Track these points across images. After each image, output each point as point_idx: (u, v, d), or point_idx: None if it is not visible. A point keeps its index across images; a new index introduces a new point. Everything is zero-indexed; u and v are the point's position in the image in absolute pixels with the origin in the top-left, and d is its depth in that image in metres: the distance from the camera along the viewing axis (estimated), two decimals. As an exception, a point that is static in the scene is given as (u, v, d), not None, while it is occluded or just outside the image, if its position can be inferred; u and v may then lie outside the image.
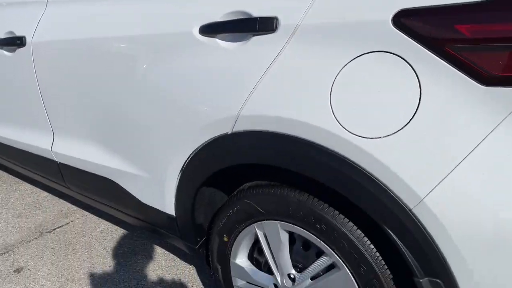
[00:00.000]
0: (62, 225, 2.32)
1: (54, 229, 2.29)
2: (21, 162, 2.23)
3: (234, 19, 1.17)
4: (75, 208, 2.50)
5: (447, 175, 0.92)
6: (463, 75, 0.90)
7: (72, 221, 2.36)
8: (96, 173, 1.74)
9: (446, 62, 0.91)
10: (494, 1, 0.87)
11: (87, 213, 2.45)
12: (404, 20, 0.93)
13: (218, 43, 1.20)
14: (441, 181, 0.93)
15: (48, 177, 2.11)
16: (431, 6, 0.91)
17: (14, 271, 1.97)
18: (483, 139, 0.90)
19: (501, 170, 0.89)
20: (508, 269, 0.92)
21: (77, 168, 1.83)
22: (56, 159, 1.92)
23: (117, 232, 2.26)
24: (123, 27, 1.44)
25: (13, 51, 1.85)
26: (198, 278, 1.90)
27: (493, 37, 0.87)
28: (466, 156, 0.91)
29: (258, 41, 1.14)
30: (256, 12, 1.14)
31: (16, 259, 2.05)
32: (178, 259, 2.04)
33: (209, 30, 1.21)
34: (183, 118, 1.32)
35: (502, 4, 0.86)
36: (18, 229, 2.30)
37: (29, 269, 1.98)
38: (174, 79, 1.32)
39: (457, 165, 0.91)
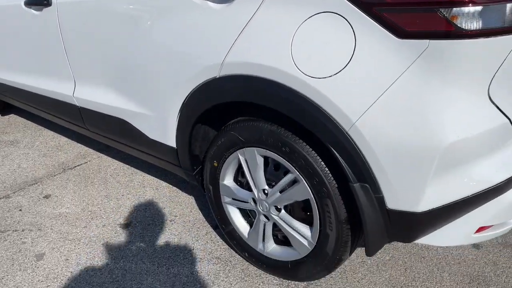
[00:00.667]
0: (81, 164, 2.71)
1: (75, 166, 2.68)
2: (45, 108, 2.59)
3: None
4: (92, 150, 2.88)
5: (371, 105, 1.26)
6: (384, 30, 1.22)
7: (89, 160, 2.75)
8: (112, 115, 2.10)
9: (373, 20, 1.23)
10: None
11: (101, 154, 2.82)
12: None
13: (208, 4, 1.53)
14: (367, 110, 1.27)
15: (69, 120, 2.47)
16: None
17: (44, 197, 2.37)
18: (398, 78, 1.23)
19: (409, 100, 1.23)
20: (378, 171, 1.27)
21: (95, 111, 2.18)
22: (77, 104, 2.28)
23: (128, 170, 2.64)
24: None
25: (40, 10, 2.17)
26: (195, 204, 2.28)
27: (405, 2, 1.19)
28: (385, 91, 1.24)
29: (238, 3, 1.45)
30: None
31: (44, 188, 2.45)
32: (180, 191, 2.42)
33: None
34: (181, 66, 1.66)
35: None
36: (44, 166, 2.69)
37: (56, 196, 2.37)
38: (173, 34, 1.65)
39: (379, 97, 1.25)
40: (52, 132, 3.14)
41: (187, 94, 1.69)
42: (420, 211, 1.33)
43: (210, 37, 1.54)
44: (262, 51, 1.41)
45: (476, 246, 1.96)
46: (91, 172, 2.60)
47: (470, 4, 1.15)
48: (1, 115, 3.39)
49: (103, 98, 2.10)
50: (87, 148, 2.91)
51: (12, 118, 3.37)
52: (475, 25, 1.17)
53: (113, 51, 1.93)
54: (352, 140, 1.32)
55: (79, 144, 2.95)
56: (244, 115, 1.73)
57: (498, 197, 1.35)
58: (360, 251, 1.94)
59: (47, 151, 2.87)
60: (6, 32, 2.51)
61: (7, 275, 1.84)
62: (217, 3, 1.51)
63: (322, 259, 1.60)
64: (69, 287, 1.77)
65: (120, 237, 2.05)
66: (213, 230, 2.09)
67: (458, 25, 1.16)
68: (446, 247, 1.97)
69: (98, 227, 2.13)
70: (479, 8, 1.15)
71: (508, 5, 1.17)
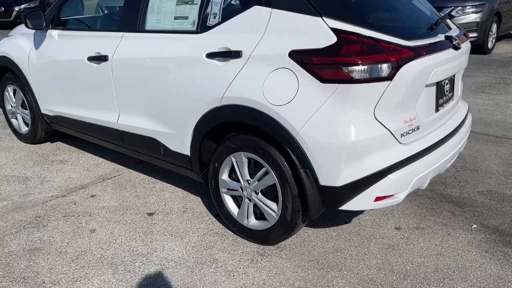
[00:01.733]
0: (116, 176, 3.60)
1: (111, 177, 3.57)
2: (94, 133, 3.50)
3: (222, 51, 2.46)
4: (123, 167, 3.78)
5: (308, 120, 2.18)
6: (313, 78, 2.16)
7: (121, 173, 3.64)
8: (146, 135, 3.02)
9: (308, 72, 2.17)
10: (325, 48, 2.14)
11: (130, 170, 3.72)
12: (292, 54, 2.20)
13: (214, 62, 2.49)
14: (305, 123, 2.18)
15: (111, 142, 3.39)
16: (302, 49, 2.18)
17: (90, 196, 3.25)
18: (322, 105, 2.16)
19: (328, 117, 2.15)
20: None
21: (133, 133, 3.11)
22: (119, 129, 3.20)
23: (151, 180, 3.52)
24: (163, 52, 2.73)
25: (99, 63, 3.15)
26: (201, 202, 3.15)
27: (323, 63, 2.14)
28: (315, 112, 2.16)
29: (233, 62, 2.41)
30: (233, 48, 2.41)
31: (90, 191, 3.33)
32: (190, 193, 3.29)
33: (211, 56, 2.50)
34: (196, 100, 2.59)
35: (329, 50, 2.13)
36: (88, 177, 3.58)
37: (99, 196, 3.25)
38: (191, 81, 2.60)
39: (312, 116, 2.17)
40: (91, 154, 4.04)
41: (198, 119, 2.62)
42: (338, 185, 2.21)
43: (215, 82, 2.49)
44: (246, 90, 2.35)
45: (397, 228, 2.81)
46: (123, 181, 3.49)
47: (360, 64, 2.10)
48: (50, 142, 4.31)
49: (140, 123, 3.03)
50: (119, 165, 3.80)
51: (59, 144, 4.30)
52: (363, 76, 2.11)
53: (149, 91, 2.88)
54: (298, 142, 2.23)
55: (113, 163, 3.85)
56: (234, 131, 2.64)
57: (384, 177, 2.23)
58: (315, 231, 2.79)
59: (89, 167, 3.77)
60: (68, 78, 3.48)
61: (71, 241, 2.69)
62: (220, 61, 2.47)
63: (284, 224, 2.47)
64: (113, 248, 2.62)
65: (147, 220, 2.92)
66: (213, 217, 2.95)
67: (353, 76, 2.11)
68: (371, 228, 2.82)
69: (132, 215, 2.99)
70: (364, 66, 2.10)
71: (381, 65, 2.12)
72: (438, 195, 3.23)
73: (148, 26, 2.92)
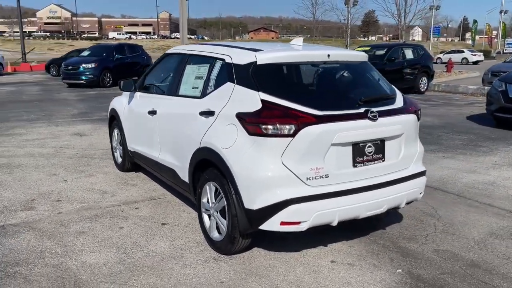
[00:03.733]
0: (160, 198, 4.86)
1: (157, 198, 4.84)
2: (149, 163, 4.87)
3: (206, 111, 3.59)
4: (169, 193, 5.03)
5: (238, 160, 3.14)
6: (245, 132, 3.14)
7: (165, 197, 4.89)
8: (170, 167, 4.23)
9: (243, 127, 3.17)
10: (253, 112, 3.12)
11: (173, 195, 4.95)
12: (237, 115, 3.22)
13: (202, 118, 3.62)
14: (237, 162, 3.15)
15: (156, 170, 4.70)
16: (243, 112, 3.19)
17: (135, 208, 4.55)
18: (250, 148, 3.11)
19: (249, 161, 3.08)
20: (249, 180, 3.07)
21: (164, 165, 4.35)
22: (159, 162, 4.49)
23: (180, 203, 4.68)
24: (181, 109, 3.97)
25: (152, 116, 4.55)
26: (196, 218, 4.19)
27: (250, 121, 3.11)
28: (243, 155, 3.13)
29: (210, 118, 3.51)
30: (211, 109, 3.53)
31: (137, 205, 4.64)
32: (188, 208, 4.35)
33: (201, 113, 3.64)
34: (191, 142, 3.73)
35: (255, 113, 3.12)
36: (142, 196, 4.92)
37: (140, 208, 4.53)
38: (190, 129, 3.76)
39: (240, 158, 3.13)
40: (154, 182, 5.42)
41: (191, 156, 3.74)
42: (255, 209, 3.08)
43: (199, 130, 3.61)
44: (211, 137, 3.42)
45: (332, 261, 3.44)
46: (163, 202, 4.73)
47: (270, 124, 3.02)
48: (135, 172, 5.84)
49: (168, 158, 4.28)
50: (167, 191, 5.08)
51: (139, 174, 5.80)
52: (272, 132, 3.03)
53: (173, 135, 4.13)
54: (232, 175, 3.19)
55: (164, 189, 5.15)
56: (211, 166, 3.65)
57: (287, 207, 3.01)
58: (266, 252, 3.58)
59: (147, 190, 5.13)
60: (139, 125, 4.97)
61: (105, 231, 3.97)
62: (204, 117, 3.59)
63: (228, 237, 3.37)
64: (126, 239, 3.80)
65: (158, 227, 4.06)
66: (201, 232, 3.95)
67: (266, 132, 3.04)
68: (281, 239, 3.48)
69: (152, 222, 4.17)
70: (273, 125, 3.02)
71: (286, 125, 3.01)
72: (395, 246, 3.72)
73: (180, 92, 4.22)
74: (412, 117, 3.56)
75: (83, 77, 17.14)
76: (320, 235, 3.83)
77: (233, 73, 3.49)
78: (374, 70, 3.84)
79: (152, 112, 4.55)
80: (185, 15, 33.30)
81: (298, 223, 3.09)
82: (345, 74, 3.70)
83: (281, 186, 3.05)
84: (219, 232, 3.58)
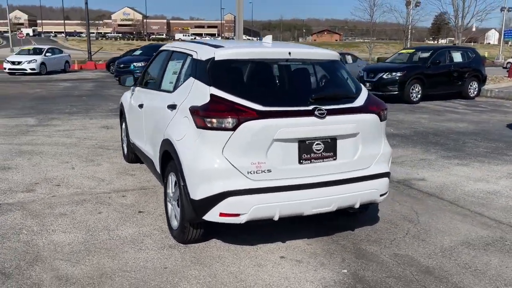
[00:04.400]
0: (150, 188, 5.08)
1: (146, 189, 5.07)
2: (140, 154, 5.12)
3: (171, 104, 3.74)
4: (157, 183, 5.24)
5: (186, 152, 3.26)
6: (194, 124, 3.26)
7: (154, 189, 5.10)
8: (150, 158, 4.44)
9: (193, 120, 3.29)
10: (202, 106, 3.24)
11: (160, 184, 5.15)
12: (191, 108, 3.34)
13: (168, 110, 3.78)
14: (185, 153, 3.28)
15: (145, 162, 4.93)
16: (195, 105, 3.31)
17: (122, 196, 4.80)
18: (193, 142, 3.23)
19: (195, 152, 3.20)
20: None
21: (147, 156, 4.57)
22: (145, 153, 4.71)
23: (161, 189, 4.87)
24: (158, 102, 4.16)
25: (141, 108, 4.78)
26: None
27: (198, 115, 3.23)
28: (190, 147, 3.25)
29: (173, 111, 3.66)
30: (175, 102, 3.68)
31: (125, 193, 4.89)
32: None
33: (168, 107, 3.80)
34: (160, 134, 3.90)
35: (203, 106, 3.23)
36: (135, 186, 5.17)
37: (126, 197, 4.78)
38: (160, 121, 3.94)
39: (187, 149, 3.26)
40: (151, 174, 5.67)
41: (159, 147, 3.91)
42: (197, 199, 3.19)
43: (164, 122, 3.77)
44: (170, 129, 3.57)
45: (282, 257, 3.46)
46: (150, 193, 4.95)
47: (213, 117, 3.13)
48: (140, 164, 6.13)
49: (148, 149, 4.48)
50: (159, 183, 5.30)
51: (143, 165, 6.07)
52: (215, 125, 3.14)
53: (151, 127, 4.32)
54: (181, 165, 3.31)
55: (158, 181, 5.37)
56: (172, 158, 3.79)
57: (226, 198, 3.09)
58: (221, 243, 3.67)
59: (142, 181, 5.38)
60: (134, 117, 5.23)
61: (84, 215, 4.25)
62: (169, 110, 3.75)
63: (180, 226, 3.50)
64: (99, 223, 4.05)
65: (134, 215, 4.27)
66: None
67: (209, 125, 3.14)
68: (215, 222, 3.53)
69: (130, 210, 4.39)
70: (216, 119, 3.12)
71: (227, 119, 3.09)
72: (354, 247, 3.66)
73: (161, 87, 4.41)
74: (370, 116, 3.49)
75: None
76: (285, 231, 3.86)
77: (196, 69, 3.61)
78: (343, 69, 3.80)
79: (141, 106, 4.79)
80: (241, 16, 33.76)
81: (238, 215, 3.15)
82: (304, 72, 3.69)
83: (221, 178, 3.13)
84: (177, 221, 3.72)
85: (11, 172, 5.61)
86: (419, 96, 13.39)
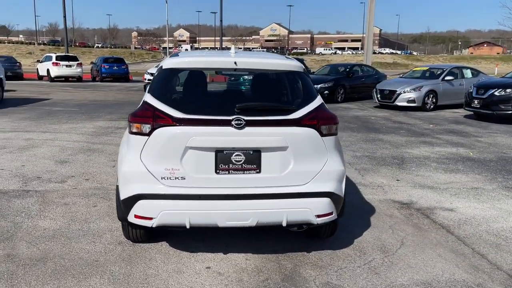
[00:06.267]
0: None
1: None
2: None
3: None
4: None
5: (119, 156, 3.46)
6: (128, 130, 3.45)
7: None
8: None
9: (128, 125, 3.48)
10: (135, 112, 3.41)
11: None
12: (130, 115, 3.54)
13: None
14: (119, 157, 3.47)
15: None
16: (133, 112, 3.50)
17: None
18: (124, 147, 3.42)
19: (122, 156, 3.39)
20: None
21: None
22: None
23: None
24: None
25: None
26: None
27: (130, 120, 3.40)
28: (122, 151, 3.44)
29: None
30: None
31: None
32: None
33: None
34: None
35: (135, 112, 3.40)
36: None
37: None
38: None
39: (122, 154, 3.45)
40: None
41: (133, 150, 4.18)
42: (122, 199, 3.35)
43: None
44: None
45: (208, 267, 3.41)
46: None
47: (134, 122, 3.27)
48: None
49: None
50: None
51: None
52: (135, 130, 3.29)
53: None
54: (117, 173, 3.51)
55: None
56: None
57: (138, 201, 3.18)
58: (162, 245, 3.75)
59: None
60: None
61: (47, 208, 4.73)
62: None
63: (122, 225, 3.69)
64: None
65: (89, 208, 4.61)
66: (145, 221, 4.33)
67: (131, 130, 3.29)
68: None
69: (88, 200, 4.74)
70: (136, 124, 3.26)
71: (144, 124, 3.20)
72: (292, 269, 3.43)
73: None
74: (303, 130, 3.22)
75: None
76: (241, 243, 3.81)
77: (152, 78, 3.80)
78: (301, 81, 3.57)
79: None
80: (371, 31, 33.07)
81: (150, 219, 3.22)
82: (246, 82, 3.58)
83: (136, 181, 3.24)
84: (129, 220, 3.93)
85: (64, 166, 6.48)
86: None
